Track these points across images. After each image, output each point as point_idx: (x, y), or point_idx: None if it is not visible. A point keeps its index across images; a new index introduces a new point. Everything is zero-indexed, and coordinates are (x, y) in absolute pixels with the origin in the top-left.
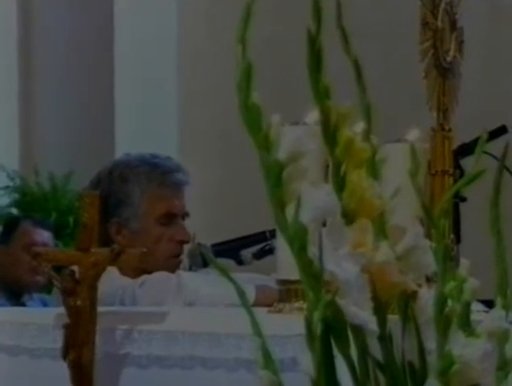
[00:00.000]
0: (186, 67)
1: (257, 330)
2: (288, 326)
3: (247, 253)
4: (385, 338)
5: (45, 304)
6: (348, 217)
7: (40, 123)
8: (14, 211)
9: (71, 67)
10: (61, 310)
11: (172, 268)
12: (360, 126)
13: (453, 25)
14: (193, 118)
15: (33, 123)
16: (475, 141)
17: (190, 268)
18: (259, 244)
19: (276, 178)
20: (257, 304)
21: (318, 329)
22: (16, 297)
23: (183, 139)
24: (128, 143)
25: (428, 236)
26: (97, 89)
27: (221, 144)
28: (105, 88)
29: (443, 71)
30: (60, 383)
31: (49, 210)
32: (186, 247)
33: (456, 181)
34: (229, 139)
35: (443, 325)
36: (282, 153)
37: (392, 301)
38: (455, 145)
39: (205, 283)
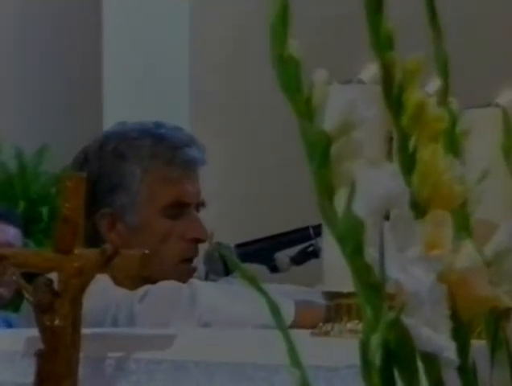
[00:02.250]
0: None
1: (295, 360)
2: (337, 355)
3: (284, 257)
4: (467, 370)
5: (10, 324)
6: (420, 208)
7: (3, 86)
8: None
9: (43, 16)
10: (33, 332)
11: (183, 275)
12: (434, 86)
13: None
14: (208, 79)
15: None
16: None
17: (207, 277)
18: (300, 244)
19: (322, 155)
20: (296, 325)
21: (377, 358)
22: None
23: (196, 107)
24: (121, 110)
25: None
26: (80, 39)
27: (245, 111)
28: (89, 37)
29: None
30: None
31: (16, 198)
32: (202, 248)
33: None
34: (257, 105)
35: None
36: (329, 123)
37: (478, 320)
38: None
39: (227, 296)
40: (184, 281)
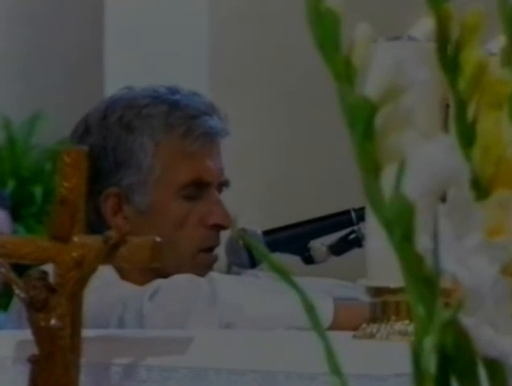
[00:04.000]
0: None
1: (335, 367)
2: (384, 361)
3: (320, 246)
4: None
5: None
6: (481, 188)
7: None
8: None
9: None
10: (26, 334)
11: (202, 268)
12: (498, 43)
13: None
14: (229, 36)
15: None
16: None
17: (229, 269)
18: (339, 230)
19: (365, 126)
20: (336, 326)
21: (431, 364)
22: None
23: (216, 69)
24: (126, 72)
25: None
26: None
27: (274, 75)
28: None
29: None
30: None
31: (3, 176)
32: (223, 235)
33: None
34: (288, 67)
35: None
36: (374, 87)
37: None
38: None
39: (253, 293)
40: (203, 275)
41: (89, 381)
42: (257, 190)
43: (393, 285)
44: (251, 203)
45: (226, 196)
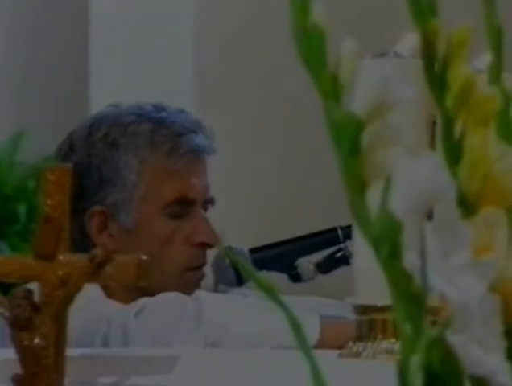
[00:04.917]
0: None
1: None
2: (371, 380)
3: (307, 264)
4: None
5: None
6: (468, 205)
7: None
8: None
9: None
10: (9, 353)
11: (188, 287)
12: (485, 60)
13: None
14: (216, 51)
15: None
16: None
17: (216, 288)
18: (326, 248)
19: (352, 142)
20: (322, 344)
21: (418, 383)
22: None
23: (202, 86)
24: (111, 89)
25: None
26: (62, 3)
27: (261, 91)
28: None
29: None
30: None
31: None
32: (210, 253)
33: None
34: (275, 84)
35: None
36: (360, 103)
37: None
38: None
39: (240, 311)
40: (190, 293)
41: None
42: (243, 208)
43: (380, 303)
44: (237, 221)
45: (212, 214)
